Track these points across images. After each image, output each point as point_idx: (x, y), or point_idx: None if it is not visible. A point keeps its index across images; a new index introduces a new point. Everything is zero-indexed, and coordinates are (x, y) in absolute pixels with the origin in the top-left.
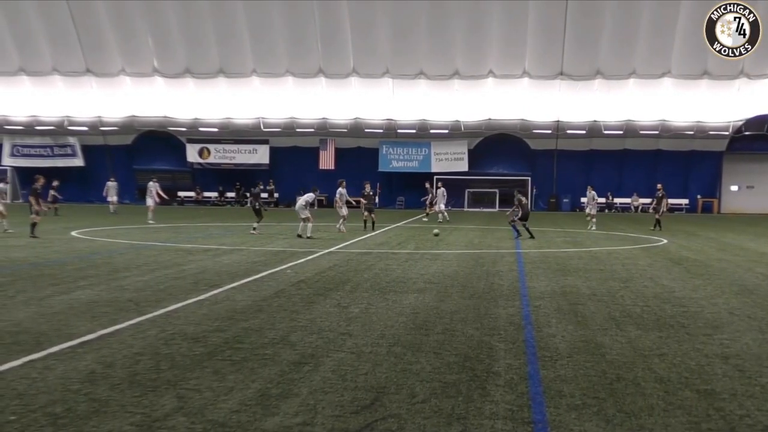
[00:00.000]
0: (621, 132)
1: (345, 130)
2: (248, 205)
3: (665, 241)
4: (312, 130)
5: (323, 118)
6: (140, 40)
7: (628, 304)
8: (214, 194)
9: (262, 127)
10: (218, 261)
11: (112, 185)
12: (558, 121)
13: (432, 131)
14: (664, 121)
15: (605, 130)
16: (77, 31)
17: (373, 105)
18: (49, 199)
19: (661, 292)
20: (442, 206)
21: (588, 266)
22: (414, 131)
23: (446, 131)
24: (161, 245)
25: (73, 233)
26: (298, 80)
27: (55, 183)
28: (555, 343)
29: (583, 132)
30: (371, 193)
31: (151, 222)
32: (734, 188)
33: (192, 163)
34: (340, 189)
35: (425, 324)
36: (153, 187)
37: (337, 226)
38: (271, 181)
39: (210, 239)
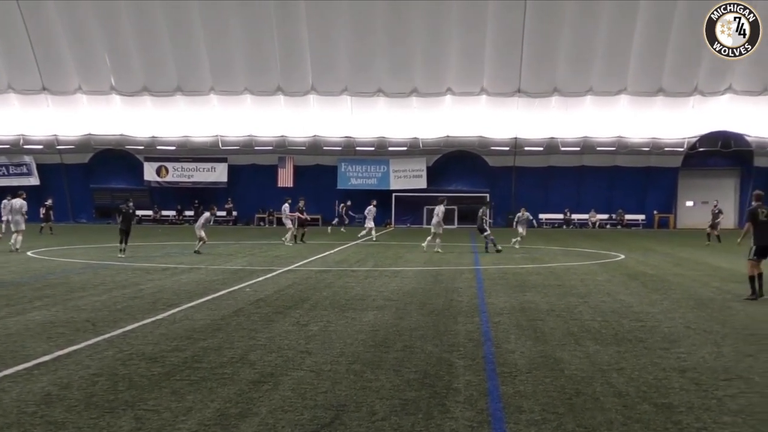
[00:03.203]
0: (578, 149)
1: (303, 148)
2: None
3: (622, 256)
4: (271, 147)
5: (282, 136)
6: (97, 58)
7: (586, 319)
8: (172, 213)
9: (220, 145)
10: (176, 280)
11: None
12: (516, 138)
13: (391, 148)
14: (621, 137)
15: (563, 146)
16: (33, 48)
17: (331, 123)
18: (42, 216)
19: (619, 307)
20: (371, 224)
21: (546, 282)
22: (373, 149)
23: (405, 148)
24: (118, 264)
25: (29, 253)
26: (256, 98)
27: (49, 201)
28: (514, 358)
29: (541, 149)
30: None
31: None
32: (689, 204)
33: (150, 182)
34: (285, 205)
35: (385, 341)
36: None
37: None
38: (229, 199)
39: (168, 258)
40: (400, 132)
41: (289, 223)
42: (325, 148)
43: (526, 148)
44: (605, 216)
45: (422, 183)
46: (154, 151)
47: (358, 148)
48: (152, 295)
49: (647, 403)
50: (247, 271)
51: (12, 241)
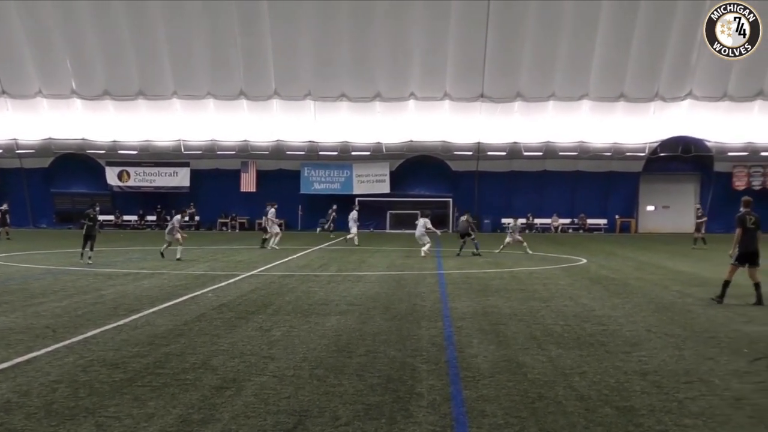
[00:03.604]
0: (541, 153)
1: (267, 153)
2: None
3: (585, 260)
4: (233, 152)
5: (245, 141)
6: (58, 62)
7: (548, 323)
8: (133, 218)
9: (182, 149)
10: (138, 285)
11: None
12: (479, 142)
13: (354, 153)
14: (583, 142)
15: (525, 151)
16: None
17: (294, 127)
18: None
19: (581, 311)
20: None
21: (509, 286)
22: (336, 153)
23: (368, 153)
24: (79, 270)
25: None
26: (219, 102)
27: (4, 206)
28: (477, 363)
29: (504, 153)
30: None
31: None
32: (651, 208)
33: (111, 186)
34: (271, 210)
35: (348, 346)
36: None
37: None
38: (192, 204)
39: (130, 263)
40: (364, 137)
41: (276, 228)
42: (288, 152)
43: (489, 153)
44: (567, 220)
45: (385, 187)
46: (115, 156)
47: (321, 153)
48: (114, 300)
49: (609, 407)
50: (209, 276)
51: None
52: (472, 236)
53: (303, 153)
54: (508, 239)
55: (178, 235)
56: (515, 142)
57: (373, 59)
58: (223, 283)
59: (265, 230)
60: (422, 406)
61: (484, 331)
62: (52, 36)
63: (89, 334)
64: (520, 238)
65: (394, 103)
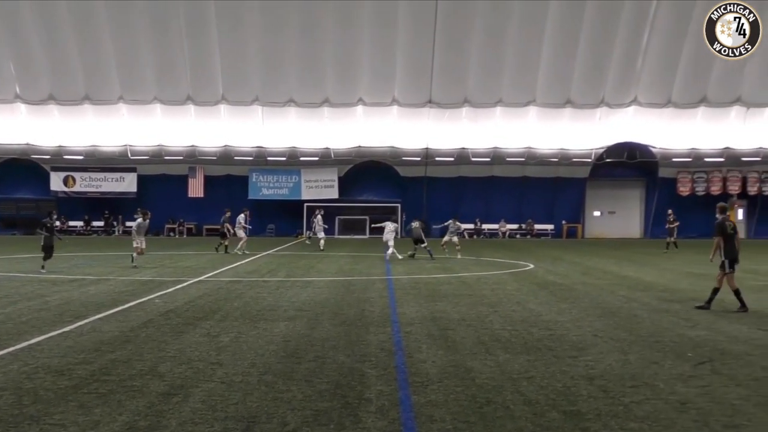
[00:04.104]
0: (489, 159)
1: (214, 158)
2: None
3: (532, 266)
4: (181, 157)
5: (192, 146)
6: (1, 66)
7: (496, 328)
8: (79, 223)
9: (129, 154)
10: (84, 291)
11: None
12: (427, 148)
13: (302, 158)
14: (530, 148)
15: (473, 157)
16: None
17: (242, 132)
18: None
19: (529, 316)
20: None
21: (458, 292)
22: (284, 159)
23: (316, 159)
24: (24, 276)
25: None
26: (166, 107)
27: None
28: (426, 368)
29: (452, 159)
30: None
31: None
32: (597, 213)
33: (56, 192)
34: (242, 215)
35: (296, 352)
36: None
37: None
38: (138, 209)
39: (76, 269)
40: (312, 142)
41: (241, 233)
42: (236, 158)
43: (437, 159)
44: (515, 226)
45: (334, 193)
46: (61, 161)
47: (269, 158)
48: (59, 307)
49: (556, 411)
50: (156, 282)
51: None
52: (424, 243)
53: (251, 158)
54: (446, 238)
55: (137, 242)
56: (463, 148)
57: (321, 65)
58: (170, 289)
59: (223, 236)
60: (371, 411)
61: (432, 336)
62: None
63: (34, 341)
64: (455, 240)
65: (342, 108)
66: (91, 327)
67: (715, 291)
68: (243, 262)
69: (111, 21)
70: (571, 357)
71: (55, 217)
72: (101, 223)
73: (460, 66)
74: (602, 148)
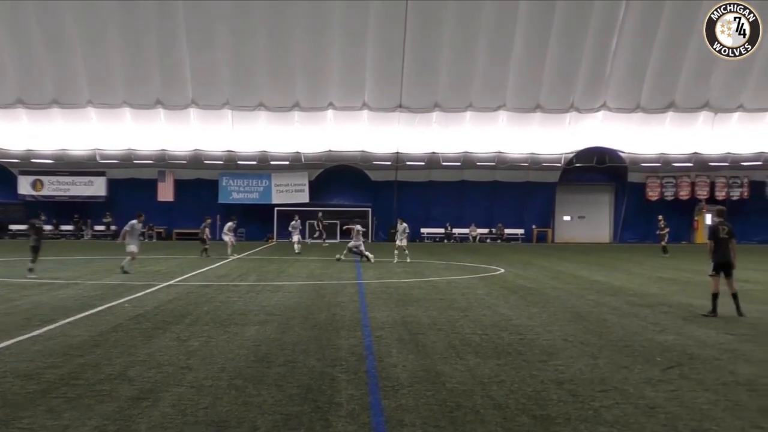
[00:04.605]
0: (459, 164)
1: (184, 162)
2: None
3: (502, 270)
4: (151, 161)
5: (162, 150)
6: None
7: (467, 332)
8: (48, 227)
9: (98, 158)
10: (53, 295)
11: None
12: (398, 152)
13: (272, 162)
14: (500, 153)
15: (444, 161)
16: None
17: (212, 136)
18: None
19: (499, 320)
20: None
21: (428, 296)
22: (254, 163)
23: (287, 163)
24: None
25: None
26: (135, 111)
27: None
28: (396, 372)
29: (423, 163)
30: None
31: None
32: (567, 218)
33: (24, 196)
34: (229, 223)
35: (267, 356)
36: None
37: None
38: (108, 213)
39: (44, 273)
40: (282, 146)
41: (226, 238)
42: (206, 161)
43: (408, 163)
44: (485, 230)
45: (304, 197)
46: (29, 165)
47: (239, 162)
48: (28, 311)
49: (526, 415)
50: (126, 286)
51: None
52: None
53: (221, 162)
54: (398, 242)
55: (132, 247)
56: (434, 152)
57: (292, 69)
58: (140, 293)
59: (203, 241)
60: (341, 415)
61: (403, 340)
62: None
63: (2, 345)
64: (404, 244)
65: (312, 112)
66: (60, 331)
67: (715, 296)
68: (213, 266)
69: (79, 23)
70: (541, 361)
71: (43, 218)
72: (70, 227)
73: (430, 71)
74: (572, 152)
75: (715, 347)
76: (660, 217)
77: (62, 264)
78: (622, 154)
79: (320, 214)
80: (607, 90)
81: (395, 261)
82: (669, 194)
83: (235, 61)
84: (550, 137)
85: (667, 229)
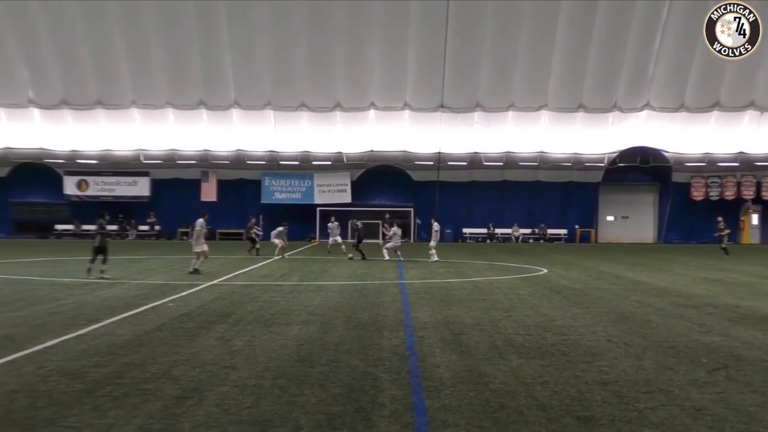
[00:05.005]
0: (501, 163)
1: (227, 162)
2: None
3: (545, 270)
4: (194, 161)
5: (205, 150)
6: (15, 71)
7: (510, 333)
8: (93, 227)
9: (142, 158)
10: (98, 295)
11: None
12: (439, 152)
13: (315, 163)
14: (543, 152)
15: (485, 161)
16: None
17: (255, 136)
18: None
19: (542, 320)
20: (338, 239)
21: (471, 296)
22: (297, 163)
23: (329, 163)
24: (38, 279)
25: None
26: (178, 112)
27: None
28: (439, 373)
29: (464, 163)
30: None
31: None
32: (610, 218)
33: (70, 196)
34: (279, 228)
35: (310, 356)
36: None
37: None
38: (152, 213)
39: (90, 273)
40: (324, 146)
41: (277, 242)
42: (248, 162)
43: (450, 163)
44: (528, 230)
45: (346, 197)
46: (74, 165)
47: (282, 162)
48: (73, 310)
49: (570, 416)
50: (170, 285)
51: None
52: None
53: (264, 162)
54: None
55: (203, 246)
56: (476, 152)
57: (333, 69)
58: (184, 293)
59: (252, 240)
60: (384, 415)
61: (446, 340)
62: (8, 45)
63: (49, 343)
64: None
65: (354, 113)
66: (105, 330)
67: None
68: (256, 266)
69: (123, 26)
70: (585, 362)
71: (108, 218)
72: (115, 227)
73: (471, 70)
74: (615, 152)
75: (762, 349)
76: (719, 218)
77: (107, 264)
78: (666, 154)
79: (358, 223)
80: (651, 89)
81: (434, 260)
82: (714, 194)
83: (276, 61)
84: (592, 137)
85: (727, 230)
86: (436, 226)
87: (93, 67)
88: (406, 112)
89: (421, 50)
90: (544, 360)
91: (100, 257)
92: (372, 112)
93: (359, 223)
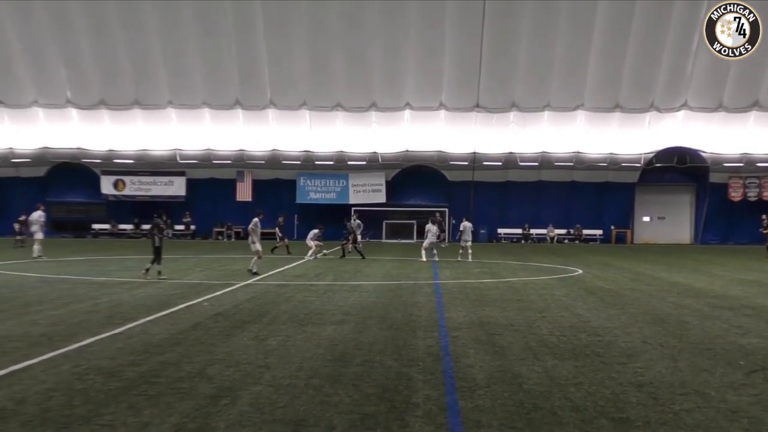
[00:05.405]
0: (536, 163)
1: (262, 162)
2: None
3: (580, 271)
4: (229, 161)
5: (240, 150)
6: (53, 71)
7: (544, 333)
8: (129, 226)
9: (178, 158)
10: (134, 294)
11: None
12: (475, 152)
13: (350, 163)
14: (578, 152)
15: (521, 161)
16: None
17: (290, 136)
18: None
19: (577, 321)
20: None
21: (505, 297)
22: (332, 163)
23: (364, 163)
24: (75, 278)
25: None
26: (214, 112)
27: (22, 218)
28: (473, 373)
29: (500, 163)
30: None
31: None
32: (646, 219)
33: (107, 195)
34: (315, 230)
35: (344, 356)
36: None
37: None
38: (187, 213)
39: (125, 272)
40: (359, 146)
41: (311, 243)
42: (284, 162)
43: (485, 163)
44: (563, 231)
45: (381, 197)
46: (111, 165)
47: (317, 162)
48: (109, 309)
49: (605, 418)
50: (204, 285)
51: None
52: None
53: (299, 162)
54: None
55: (258, 246)
56: (511, 153)
57: (368, 69)
58: (218, 292)
59: (281, 239)
60: (418, 416)
61: (480, 341)
62: (48, 46)
63: (85, 342)
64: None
65: (389, 113)
66: (140, 329)
67: None
68: (291, 266)
69: (160, 26)
70: (619, 363)
71: (165, 218)
72: (148, 227)
73: (507, 70)
74: (652, 152)
75: None
76: (764, 216)
77: (143, 263)
78: (703, 154)
79: (352, 222)
80: (688, 89)
81: (470, 260)
82: (752, 195)
83: (312, 62)
84: (629, 137)
85: None
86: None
87: (130, 68)
88: (442, 112)
89: (456, 50)
90: (579, 361)
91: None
92: (407, 112)
93: (354, 222)
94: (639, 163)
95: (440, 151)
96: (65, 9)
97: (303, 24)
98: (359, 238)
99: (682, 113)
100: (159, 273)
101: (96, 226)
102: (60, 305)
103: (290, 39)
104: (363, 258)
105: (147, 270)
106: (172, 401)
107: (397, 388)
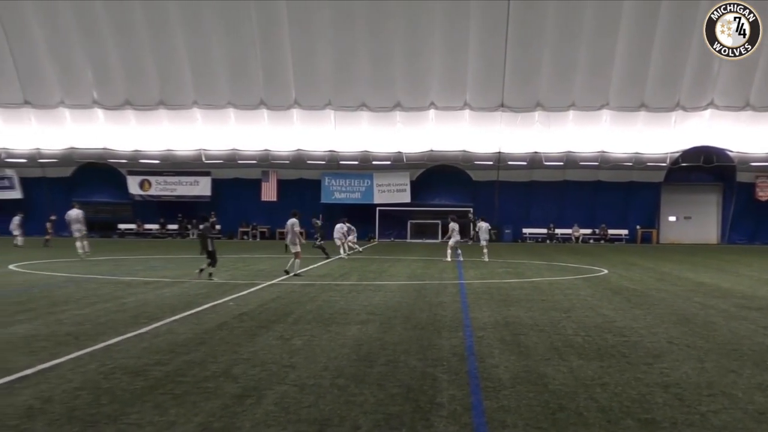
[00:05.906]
0: (561, 163)
1: (287, 162)
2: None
3: (606, 271)
4: (254, 161)
5: (265, 150)
6: (79, 72)
7: (569, 333)
8: (155, 226)
9: (203, 158)
10: (159, 294)
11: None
12: (499, 152)
13: (374, 162)
14: (604, 152)
15: (546, 161)
16: (15, 62)
17: (315, 136)
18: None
19: (602, 321)
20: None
21: (530, 297)
22: (356, 162)
23: (388, 162)
24: (101, 278)
25: (11, 266)
26: (239, 112)
27: (53, 217)
28: (498, 373)
29: (524, 163)
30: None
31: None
32: (672, 218)
33: (133, 195)
34: (339, 224)
35: (369, 356)
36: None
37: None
38: (213, 213)
39: (151, 272)
40: (384, 146)
41: (338, 242)
42: (308, 161)
43: (510, 163)
44: (588, 231)
45: (406, 197)
46: (137, 165)
47: (341, 162)
48: (135, 308)
49: (630, 419)
50: (230, 284)
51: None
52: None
53: (323, 162)
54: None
55: (297, 247)
56: (536, 152)
57: (393, 69)
58: (243, 292)
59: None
60: (443, 416)
61: (504, 341)
62: (74, 47)
63: (111, 341)
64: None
65: (414, 112)
66: (166, 329)
67: None
68: (316, 265)
69: (185, 27)
70: (645, 364)
71: (213, 220)
72: (176, 226)
73: (532, 69)
74: (678, 152)
75: None
76: None
77: (168, 263)
78: (730, 154)
79: (318, 221)
80: (715, 88)
81: (486, 260)
82: None
83: (337, 62)
84: (655, 136)
85: None
86: (481, 225)
87: (155, 69)
88: (466, 112)
89: (481, 50)
90: (604, 361)
91: (207, 260)
92: (432, 112)
93: (320, 221)
94: (665, 162)
95: (465, 151)
96: (91, 10)
97: (328, 25)
98: (320, 238)
99: (708, 112)
100: (210, 275)
101: (122, 226)
102: (86, 305)
103: (315, 39)
104: (328, 257)
105: (202, 270)
106: (197, 400)
107: (422, 388)
